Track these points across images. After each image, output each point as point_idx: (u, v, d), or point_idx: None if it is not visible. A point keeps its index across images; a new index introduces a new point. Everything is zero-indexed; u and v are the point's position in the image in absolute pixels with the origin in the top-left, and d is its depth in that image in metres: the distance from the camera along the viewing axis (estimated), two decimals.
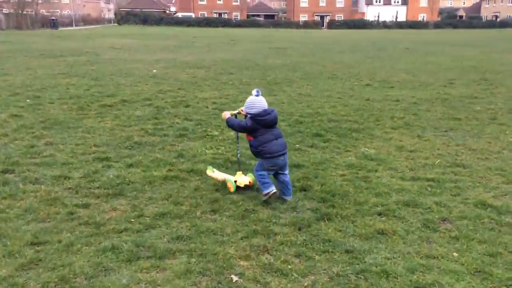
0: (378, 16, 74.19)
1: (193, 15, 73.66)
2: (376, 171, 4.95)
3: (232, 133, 5.82)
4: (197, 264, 3.03)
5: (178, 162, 5.08)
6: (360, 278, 2.92)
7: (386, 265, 3.04)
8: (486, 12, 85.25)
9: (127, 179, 4.49)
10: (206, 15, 75.17)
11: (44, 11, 64.75)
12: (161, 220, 3.66)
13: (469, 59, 18.26)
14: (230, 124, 4.18)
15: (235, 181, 4.28)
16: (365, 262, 3.09)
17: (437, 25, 70.14)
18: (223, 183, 4.37)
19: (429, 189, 4.42)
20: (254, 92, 4.03)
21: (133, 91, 9.68)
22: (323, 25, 72.96)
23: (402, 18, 76.58)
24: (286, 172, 4.16)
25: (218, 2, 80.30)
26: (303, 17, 77.68)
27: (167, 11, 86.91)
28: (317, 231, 3.50)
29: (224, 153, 5.47)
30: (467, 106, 8.62)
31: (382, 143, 6.08)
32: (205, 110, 7.98)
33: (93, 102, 8.35)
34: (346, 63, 16.56)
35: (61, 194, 4.11)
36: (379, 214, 3.84)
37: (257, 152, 4.08)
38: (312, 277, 2.93)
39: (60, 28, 50.55)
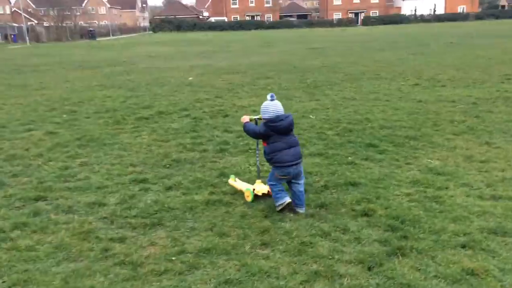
0: (415, 10, 71.73)
1: (226, 19, 73.90)
2: (447, 188, 4.29)
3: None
4: None
5: (221, 182, 4.60)
6: None
7: None
8: None
9: (166, 205, 4.06)
10: (238, 18, 75.17)
11: (82, 22, 66.79)
12: (206, 257, 3.18)
13: None
14: (245, 129, 4.05)
15: (253, 190, 4.10)
16: None
17: (478, 17, 67.13)
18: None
19: None
20: (268, 96, 3.83)
21: (170, 101, 9.35)
22: (357, 22, 71.36)
23: (440, 10, 73.70)
24: (301, 182, 3.91)
25: (251, 4, 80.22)
26: (336, 15, 76.29)
27: (201, 17, 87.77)
28: (392, 272, 2.91)
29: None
30: None
31: (447, 153, 5.38)
32: None
33: (130, 115, 8.05)
34: (389, 61, 15.70)
35: (95, 226, 3.72)
36: (463, 246, 3.21)
37: (268, 159, 3.91)
38: None
39: (98, 39, 51.81)
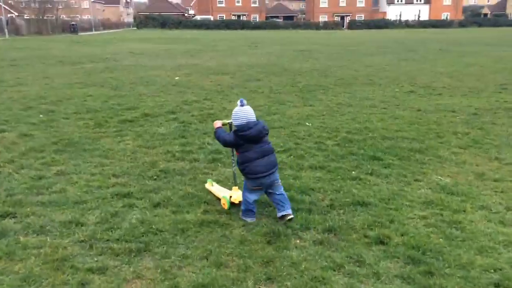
0: (400, 16, 72.28)
1: (211, 17, 73.13)
2: (464, 211, 3.91)
3: None
4: None
5: (214, 199, 4.12)
6: None
7: None
8: None
9: (153, 226, 3.56)
10: (224, 18, 74.50)
11: (64, 16, 65.22)
12: None
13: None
14: (216, 136, 3.77)
15: (230, 197, 3.89)
16: None
17: (461, 24, 68.03)
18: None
19: None
20: (238, 102, 3.63)
21: (156, 102, 8.81)
22: (343, 26, 71.52)
23: (425, 17, 74.43)
24: (278, 192, 3.65)
25: (237, 4, 79.73)
26: (322, 18, 76.36)
27: (186, 14, 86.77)
28: None
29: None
30: None
31: (456, 169, 5.02)
32: None
33: (112, 116, 7.49)
34: (379, 66, 15.42)
35: (71, 251, 3.20)
36: (497, 285, 2.82)
37: (241, 170, 3.64)
38: None
39: (80, 33, 50.53)
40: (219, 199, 4.04)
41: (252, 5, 79.83)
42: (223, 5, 79.66)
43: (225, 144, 3.72)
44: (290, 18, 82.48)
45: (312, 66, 15.68)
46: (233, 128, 3.72)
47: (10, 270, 2.97)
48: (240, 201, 3.82)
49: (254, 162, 3.51)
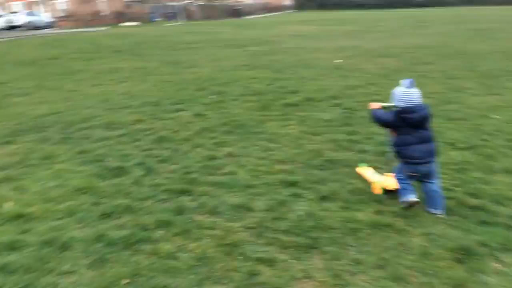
0: None
1: None
2: None
3: None
4: None
5: (388, 199, 3.72)
6: None
7: None
8: None
9: (321, 222, 3.35)
10: None
11: (230, 0, 69.69)
12: None
13: None
14: (373, 115, 3.58)
15: (382, 183, 3.75)
16: None
17: None
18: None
19: None
20: (405, 82, 3.39)
21: (318, 86, 8.60)
22: None
23: None
24: (434, 181, 3.43)
25: None
26: None
27: None
28: None
29: (451, 188, 3.88)
30: None
31: None
32: None
33: (276, 99, 7.54)
34: None
35: (241, 237, 3.19)
36: None
37: (396, 152, 3.48)
38: None
39: (243, 17, 53.47)
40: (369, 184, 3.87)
41: None
42: None
43: (383, 123, 3.55)
44: None
45: (492, 47, 13.60)
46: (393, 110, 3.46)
47: (186, 248, 3.08)
48: (395, 188, 3.59)
49: (411, 146, 3.35)
